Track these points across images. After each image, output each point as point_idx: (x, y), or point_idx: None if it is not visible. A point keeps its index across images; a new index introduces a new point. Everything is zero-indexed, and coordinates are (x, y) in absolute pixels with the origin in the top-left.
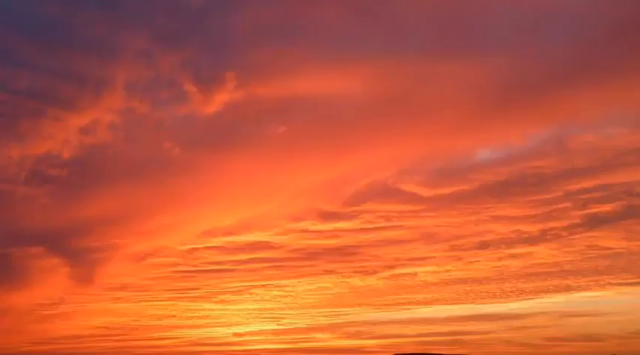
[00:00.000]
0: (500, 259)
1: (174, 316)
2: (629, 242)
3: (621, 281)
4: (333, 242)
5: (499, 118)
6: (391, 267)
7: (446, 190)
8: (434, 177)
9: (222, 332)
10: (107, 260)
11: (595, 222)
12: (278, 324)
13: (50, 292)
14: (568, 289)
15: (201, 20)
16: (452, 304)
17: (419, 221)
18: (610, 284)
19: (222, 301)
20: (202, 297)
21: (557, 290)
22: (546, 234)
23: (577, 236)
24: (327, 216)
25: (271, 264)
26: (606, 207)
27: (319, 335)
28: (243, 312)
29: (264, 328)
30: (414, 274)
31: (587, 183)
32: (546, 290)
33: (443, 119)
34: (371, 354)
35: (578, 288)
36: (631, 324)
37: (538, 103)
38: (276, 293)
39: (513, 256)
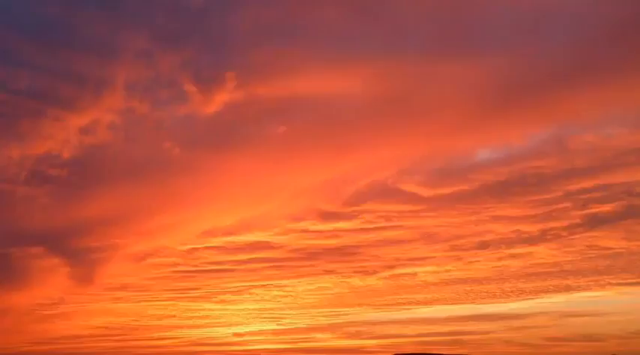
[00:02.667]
0: (500, 259)
1: (174, 316)
2: (629, 242)
3: (621, 281)
4: (333, 242)
5: (499, 118)
6: (391, 267)
7: (446, 190)
8: (434, 177)
9: (222, 332)
10: (107, 260)
11: (595, 222)
12: (278, 324)
13: (50, 292)
14: (568, 289)
15: (201, 20)
16: (452, 304)
17: (419, 221)
18: (610, 284)
19: (222, 301)
20: (202, 297)
21: (557, 290)
22: (546, 234)
23: (577, 236)
24: (327, 216)
25: (271, 264)
26: (606, 207)
27: (319, 335)
28: (243, 312)
29: (264, 328)
30: (414, 274)
31: (587, 183)
32: (546, 290)
33: (443, 119)
34: (371, 354)
35: (578, 288)
36: (631, 324)
37: (538, 103)
38: (276, 293)
39: (513, 256)
